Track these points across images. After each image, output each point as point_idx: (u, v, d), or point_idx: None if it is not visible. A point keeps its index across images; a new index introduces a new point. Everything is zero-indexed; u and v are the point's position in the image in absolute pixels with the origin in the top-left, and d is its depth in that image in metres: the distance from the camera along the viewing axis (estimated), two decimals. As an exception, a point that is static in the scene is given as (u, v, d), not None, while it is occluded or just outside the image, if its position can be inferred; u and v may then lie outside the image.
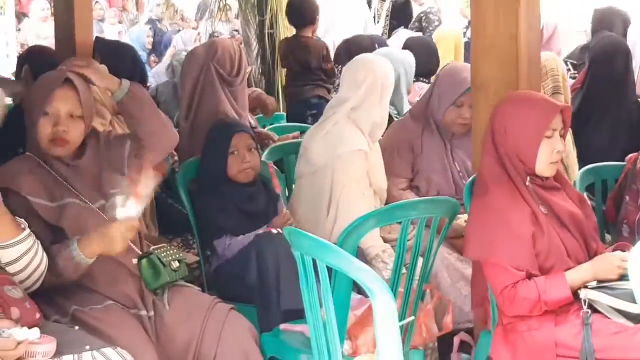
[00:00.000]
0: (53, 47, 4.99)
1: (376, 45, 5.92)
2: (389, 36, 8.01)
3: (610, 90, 4.60)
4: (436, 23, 8.52)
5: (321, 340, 2.56)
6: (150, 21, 12.26)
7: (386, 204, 3.66)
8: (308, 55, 6.02)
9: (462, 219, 3.33)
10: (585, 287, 2.69)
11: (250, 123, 4.34)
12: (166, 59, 8.76)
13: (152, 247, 2.93)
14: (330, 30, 7.64)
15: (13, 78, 6.31)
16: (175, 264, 2.88)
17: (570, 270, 2.73)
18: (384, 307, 2.32)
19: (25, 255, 2.54)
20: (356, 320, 2.79)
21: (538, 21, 3.27)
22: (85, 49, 4.29)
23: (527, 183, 2.81)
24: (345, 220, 3.17)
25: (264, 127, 4.99)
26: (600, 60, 4.66)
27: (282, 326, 3.01)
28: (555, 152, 2.80)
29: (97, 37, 4.60)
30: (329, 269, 2.49)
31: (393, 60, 4.14)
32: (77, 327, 2.59)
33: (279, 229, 3.31)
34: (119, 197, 2.65)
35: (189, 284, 2.99)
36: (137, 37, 10.84)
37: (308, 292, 2.56)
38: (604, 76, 4.61)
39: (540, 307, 2.68)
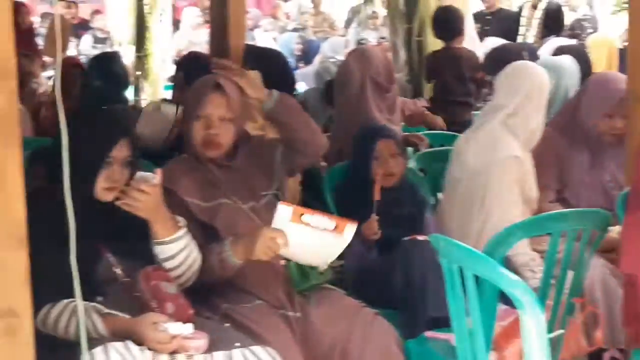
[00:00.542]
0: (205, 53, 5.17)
1: (526, 54, 5.81)
2: (541, 44, 7.85)
3: None
4: (590, 30, 8.28)
5: (467, 350, 2.53)
6: (298, 29, 12.49)
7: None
8: (461, 66, 5.99)
9: (614, 231, 3.23)
10: None
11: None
12: (314, 65, 8.88)
13: (300, 250, 2.98)
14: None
15: (170, 83, 6.58)
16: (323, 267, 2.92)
17: None
18: (534, 320, 2.27)
19: (181, 252, 2.64)
20: (502, 331, 2.74)
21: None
22: (237, 55, 4.42)
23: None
24: (495, 228, 3.12)
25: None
26: None
27: (427, 333, 3.00)
28: None
29: (247, 44, 4.73)
30: (476, 278, 2.46)
31: (555, 68, 4.07)
32: (227, 325, 2.66)
33: (425, 236, 3.30)
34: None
35: (335, 288, 3.02)
36: (286, 44, 11.06)
37: (454, 300, 2.54)
38: None
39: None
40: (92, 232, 2.41)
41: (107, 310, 2.41)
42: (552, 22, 8.08)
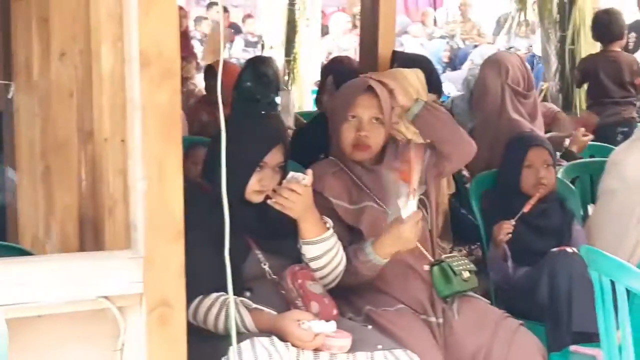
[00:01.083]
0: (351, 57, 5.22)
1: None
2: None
3: None
4: None
5: (616, 365, 2.46)
6: (445, 36, 12.42)
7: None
8: (620, 70, 5.82)
9: None
10: None
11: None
12: (463, 70, 8.82)
13: (444, 256, 2.97)
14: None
15: (316, 87, 6.67)
16: (466, 274, 2.89)
17: None
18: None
19: (328, 252, 2.67)
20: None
21: None
22: (386, 60, 4.45)
23: None
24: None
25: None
26: None
27: (572, 347, 2.92)
28: None
29: (394, 50, 4.74)
30: (628, 292, 2.39)
31: None
32: (369, 327, 2.67)
33: (574, 248, 3.22)
34: (400, 201, 2.72)
35: (478, 296, 2.99)
36: (435, 50, 11.02)
37: (604, 314, 2.46)
38: None
39: None
40: (242, 229, 2.48)
41: (254, 305, 2.47)
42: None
